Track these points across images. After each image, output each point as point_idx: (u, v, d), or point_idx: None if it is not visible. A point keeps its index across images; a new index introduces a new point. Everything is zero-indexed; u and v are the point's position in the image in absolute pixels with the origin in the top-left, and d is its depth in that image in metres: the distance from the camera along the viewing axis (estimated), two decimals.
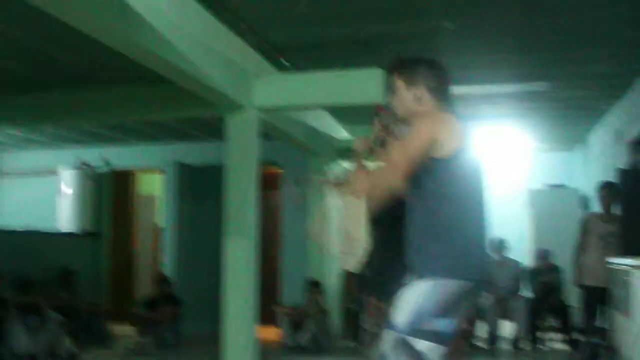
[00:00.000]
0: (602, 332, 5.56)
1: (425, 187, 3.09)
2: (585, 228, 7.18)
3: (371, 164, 3.53)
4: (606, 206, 7.05)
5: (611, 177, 6.13)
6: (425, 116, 3.18)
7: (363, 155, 3.66)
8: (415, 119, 3.24)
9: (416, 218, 3.17)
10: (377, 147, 3.55)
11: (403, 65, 3.37)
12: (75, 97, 8.11)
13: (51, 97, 8.17)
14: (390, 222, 4.28)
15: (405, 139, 3.14)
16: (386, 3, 5.68)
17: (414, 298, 3.01)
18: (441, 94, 3.30)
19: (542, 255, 9.48)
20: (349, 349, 9.27)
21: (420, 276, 3.04)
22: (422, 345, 2.95)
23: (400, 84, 3.33)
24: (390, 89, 3.40)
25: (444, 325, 2.99)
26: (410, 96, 3.29)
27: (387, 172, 3.13)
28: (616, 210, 6.67)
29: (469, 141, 3.13)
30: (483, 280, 3.13)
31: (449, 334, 3.01)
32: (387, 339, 3.03)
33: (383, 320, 4.12)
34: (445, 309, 2.98)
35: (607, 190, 7.01)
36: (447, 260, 3.02)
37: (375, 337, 4.03)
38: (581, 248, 7.17)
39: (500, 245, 9.31)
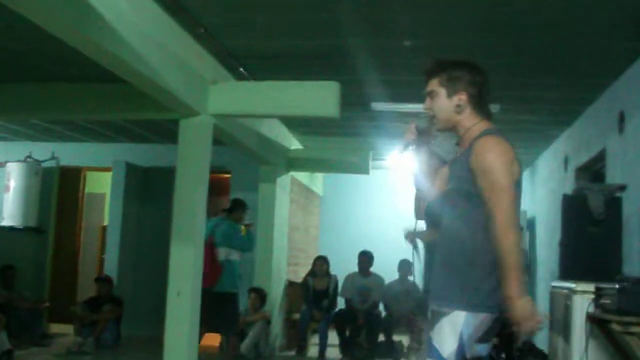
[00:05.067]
0: (540, 353, 5.65)
1: (469, 215, 2.97)
2: None
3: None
4: None
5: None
6: (488, 141, 3.03)
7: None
8: (460, 131, 3.11)
9: (453, 245, 3.02)
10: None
11: (443, 69, 3.12)
12: (27, 91, 7.94)
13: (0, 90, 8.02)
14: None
15: (486, 172, 2.96)
16: (347, 17, 5.69)
17: (457, 328, 2.92)
18: (481, 102, 3.12)
19: None
20: (289, 358, 9.27)
21: (456, 307, 2.94)
22: None
23: (439, 90, 3.10)
24: (428, 94, 3.16)
25: (483, 349, 3.02)
26: (451, 105, 3.07)
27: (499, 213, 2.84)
28: None
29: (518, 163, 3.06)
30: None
31: (487, 355, 3.07)
32: None
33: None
34: (484, 336, 2.98)
35: None
36: (483, 294, 2.92)
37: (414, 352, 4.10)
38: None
39: None
